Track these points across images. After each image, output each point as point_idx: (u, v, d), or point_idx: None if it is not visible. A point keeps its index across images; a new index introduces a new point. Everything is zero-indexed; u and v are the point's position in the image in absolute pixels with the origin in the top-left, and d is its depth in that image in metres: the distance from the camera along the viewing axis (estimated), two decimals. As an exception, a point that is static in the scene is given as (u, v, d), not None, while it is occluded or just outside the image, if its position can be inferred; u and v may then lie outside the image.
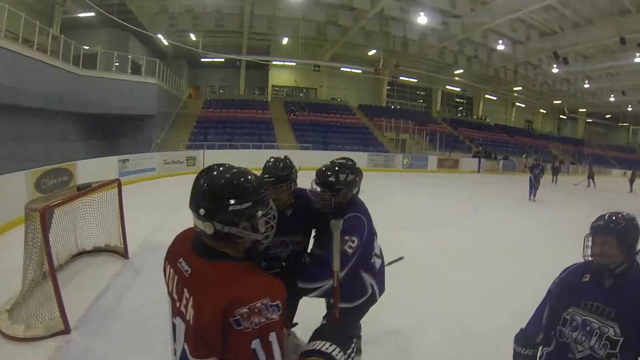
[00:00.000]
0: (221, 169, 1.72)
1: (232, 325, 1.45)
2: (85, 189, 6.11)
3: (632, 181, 25.92)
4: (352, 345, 1.91)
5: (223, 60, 33.96)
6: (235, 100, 33.24)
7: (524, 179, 19.84)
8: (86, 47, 21.16)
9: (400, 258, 5.85)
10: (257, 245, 1.78)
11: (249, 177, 1.71)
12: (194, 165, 20.24)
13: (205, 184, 1.67)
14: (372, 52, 33.38)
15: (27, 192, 9.41)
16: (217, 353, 1.52)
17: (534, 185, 17.45)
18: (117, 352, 4.12)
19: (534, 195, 17.48)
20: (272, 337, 1.50)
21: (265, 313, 1.47)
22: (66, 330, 4.54)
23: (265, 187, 1.80)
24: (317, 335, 1.90)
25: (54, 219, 5.26)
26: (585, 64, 34.94)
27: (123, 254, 7.14)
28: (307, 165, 17.48)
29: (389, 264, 5.45)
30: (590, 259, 2.33)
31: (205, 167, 1.76)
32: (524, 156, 36.64)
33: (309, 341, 1.87)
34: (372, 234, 3.46)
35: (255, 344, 1.47)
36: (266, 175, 3.37)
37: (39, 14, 19.57)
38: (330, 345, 1.80)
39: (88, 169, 12.15)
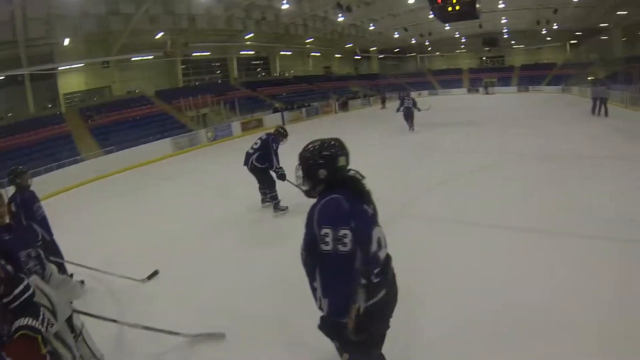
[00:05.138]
0: None
1: None
2: None
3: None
4: (41, 312, 2.61)
5: (2, 77, 30.38)
6: (26, 122, 29.28)
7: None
8: None
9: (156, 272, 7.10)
10: None
11: None
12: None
13: None
14: (159, 35, 33.05)
15: None
16: None
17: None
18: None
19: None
20: None
21: None
22: None
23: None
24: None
25: None
26: (367, 10, 39.01)
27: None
28: (113, 169, 17.62)
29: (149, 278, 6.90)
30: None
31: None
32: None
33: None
34: None
35: None
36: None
37: None
38: (25, 319, 2.44)
39: None
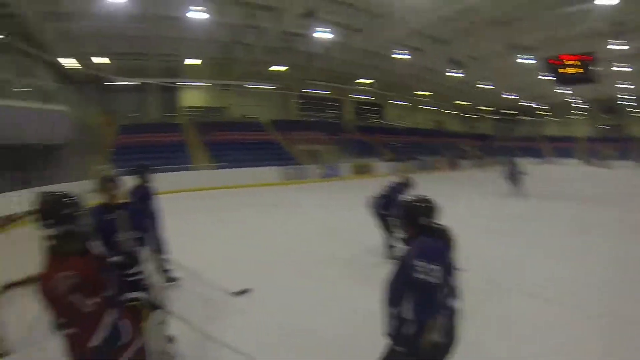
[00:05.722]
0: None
1: None
2: (5, 220, 6.89)
3: None
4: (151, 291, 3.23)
5: (134, 83, 33.72)
6: (149, 124, 33.26)
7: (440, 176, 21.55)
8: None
9: (247, 290, 7.09)
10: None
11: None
12: (116, 192, 20.62)
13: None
14: (278, 68, 34.51)
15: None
16: None
17: None
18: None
19: None
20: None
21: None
22: (7, 352, 5.35)
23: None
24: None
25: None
26: (480, 67, 38.51)
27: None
28: (221, 184, 18.01)
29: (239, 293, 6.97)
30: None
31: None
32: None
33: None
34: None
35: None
36: None
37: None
38: (139, 292, 3.01)
39: (3, 203, 12.46)
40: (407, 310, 3.00)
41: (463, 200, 18.03)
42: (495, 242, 10.61)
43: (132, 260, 3.15)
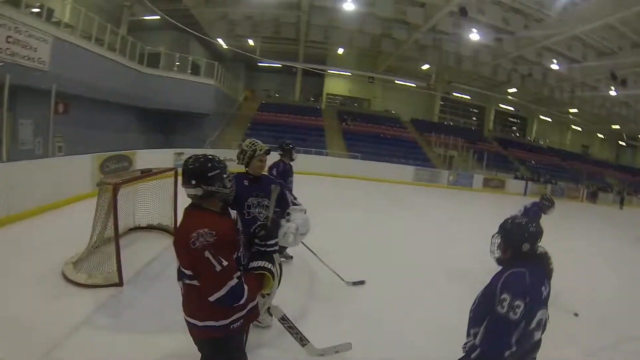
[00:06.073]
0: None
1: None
2: (147, 173, 7.23)
3: None
4: (276, 263, 3.21)
5: (280, 65, 35.44)
6: (289, 105, 34.69)
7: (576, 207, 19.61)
8: (150, 48, 22.59)
9: (362, 282, 7.13)
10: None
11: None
12: (244, 163, 21.85)
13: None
14: (425, 67, 34.07)
15: (92, 172, 11.29)
16: None
17: None
18: (157, 304, 5.26)
19: None
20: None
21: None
22: (120, 283, 5.88)
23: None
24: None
25: (119, 194, 6.25)
26: None
27: (173, 233, 8.05)
28: (356, 174, 17.89)
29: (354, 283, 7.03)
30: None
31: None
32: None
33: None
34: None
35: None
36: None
37: (108, 16, 21.23)
38: (266, 262, 3.01)
39: (146, 159, 13.49)
40: (479, 334, 2.85)
41: (589, 238, 16.13)
42: (611, 295, 8.47)
43: (266, 230, 3.20)
